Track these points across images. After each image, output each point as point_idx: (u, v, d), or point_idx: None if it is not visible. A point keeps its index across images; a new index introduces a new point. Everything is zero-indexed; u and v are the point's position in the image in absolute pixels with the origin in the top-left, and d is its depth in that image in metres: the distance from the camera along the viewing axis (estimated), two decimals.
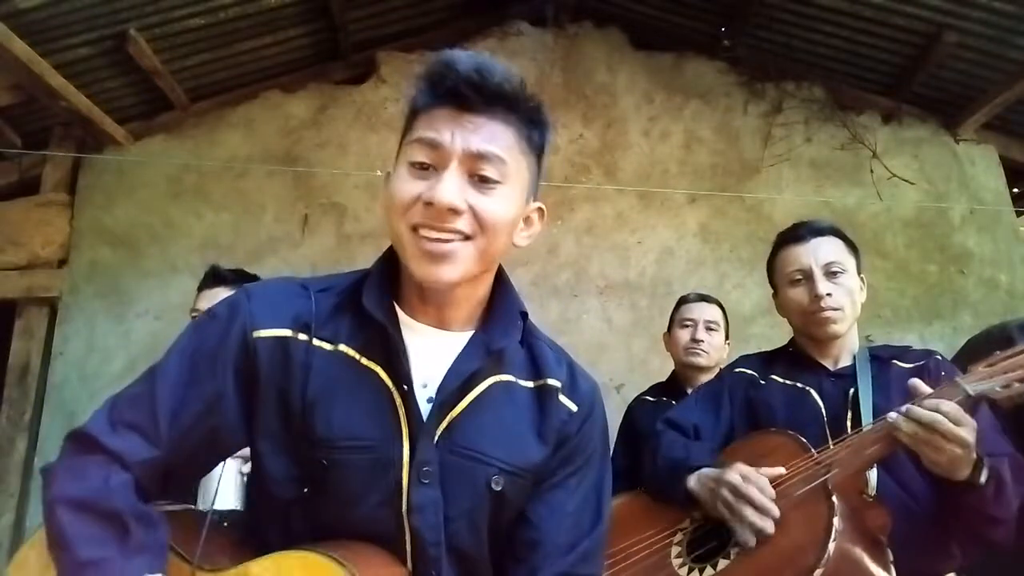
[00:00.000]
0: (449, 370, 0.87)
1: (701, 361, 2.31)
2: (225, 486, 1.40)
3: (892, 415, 1.24)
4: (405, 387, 0.85)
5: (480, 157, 0.82)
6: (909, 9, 3.37)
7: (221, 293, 1.78)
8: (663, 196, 3.78)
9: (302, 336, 0.86)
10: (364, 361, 0.86)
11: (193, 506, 1.27)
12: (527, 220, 0.91)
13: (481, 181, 0.82)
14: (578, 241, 3.73)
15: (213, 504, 1.29)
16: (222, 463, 1.12)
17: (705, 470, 1.38)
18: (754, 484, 1.28)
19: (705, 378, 2.28)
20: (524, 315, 0.95)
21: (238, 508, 1.36)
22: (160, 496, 0.85)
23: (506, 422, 0.89)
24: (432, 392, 0.86)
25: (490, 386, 0.89)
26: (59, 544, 0.76)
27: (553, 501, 0.91)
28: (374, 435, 0.83)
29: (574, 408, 0.94)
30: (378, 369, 0.86)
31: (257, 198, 3.71)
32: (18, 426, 3.28)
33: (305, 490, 0.83)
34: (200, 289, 1.94)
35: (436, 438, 0.85)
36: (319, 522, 0.84)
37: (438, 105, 0.84)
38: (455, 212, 0.80)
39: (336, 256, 3.56)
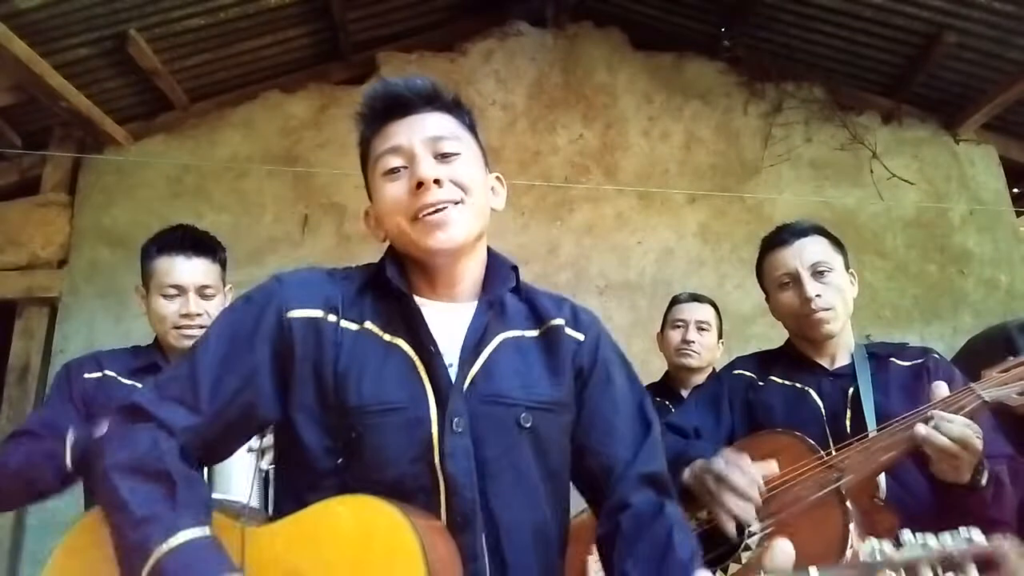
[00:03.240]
0: (467, 331, 0.97)
1: (692, 362, 2.30)
2: (240, 479, 1.39)
3: (921, 428, 1.22)
4: (432, 348, 0.94)
5: (436, 139, 0.98)
6: (909, 9, 3.37)
7: (201, 267, 1.65)
8: (663, 196, 3.78)
9: (332, 317, 0.95)
10: (387, 337, 0.96)
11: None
12: (492, 189, 1.06)
13: (444, 157, 0.97)
14: (578, 241, 3.73)
15: (223, 488, 1.29)
16: (238, 456, 1.14)
17: (698, 461, 1.37)
18: (737, 468, 1.26)
19: (697, 378, 2.28)
20: (515, 268, 1.07)
21: (254, 506, 1.35)
22: (199, 466, 0.92)
23: (520, 368, 0.99)
24: (452, 358, 0.95)
25: (500, 343, 1.00)
26: (115, 506, 0.84)
27: (603, 422, 1.02)
28: (402, 397, 0.91)
29: (581, 337, 1.05)
30: (400, 342, 0.95)
31: (257, 198, 3.70)
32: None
33: (339, 460, 0.90)
34: (168, 252, 1.64)
35: (464, 392, 0.93)
36: (354, 489, 0.88)
37: (384, 122, 1.00)
38: (438, 183, 0.94)
39: (336, 256, 3.55)
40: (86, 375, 1.63)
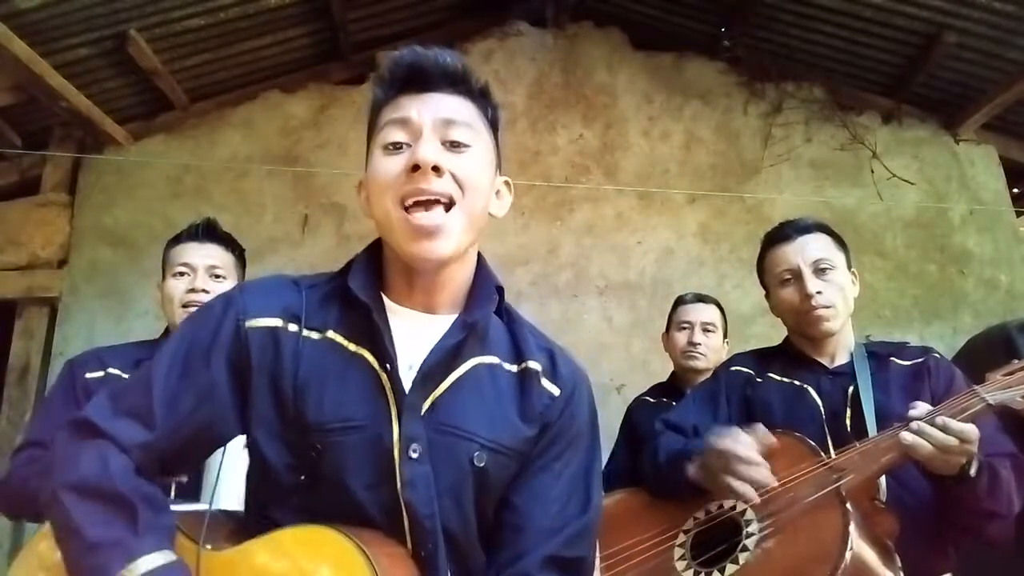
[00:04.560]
0: (434, 347, 0.89)
1: (699, 364, 2.29)
2: (231, 486, 1.36)
3: (906, 435, 1.22)
4: (388, 366, 0.86)
5: (448, 123, 0.88)
6: (909, 9, 3.37)
7: (213, 251, 1.68)
8: (663, 196, 3.78)
9: (292, 327, 0.89)
10: (352, 347, 0.89)
11: (198, 503, 1.24)
12: (498, 193, 0.97)
13: (453, 146, 0.88)
14: (578, 241, 3.73)
15: (213, 498, 1.28)
16: (223, 460, 1.11)
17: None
18: (732, 438, 1.30)
19: (703, 379, 2.27)
20: (500, 289, 0.97)
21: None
22: (158, 481, 0.86)
23: (488, 402, 0.90)
24: (408, 377, 0.87)
25: (473, 367, 0.91)
26: (67, 528, 0.78)
27: (538, 486, 0.91)
28: (364, 416, 0.85)
29: (556, 392, 0.95)
30: (365, 353, 0.88)
31: (257, 198, 3.70)
32: (18, 426, 3.26)
33: (302, 477, 0.85)
34: (183, 240, 1.69)
35: (422, 414, 0.86)
36: (317, 508, 0.84)
37: (399, 92, 0.90)
38: (437, 170, 0.85)
39: (336, 256, 3.54)
40: (88, 375, 1.61)
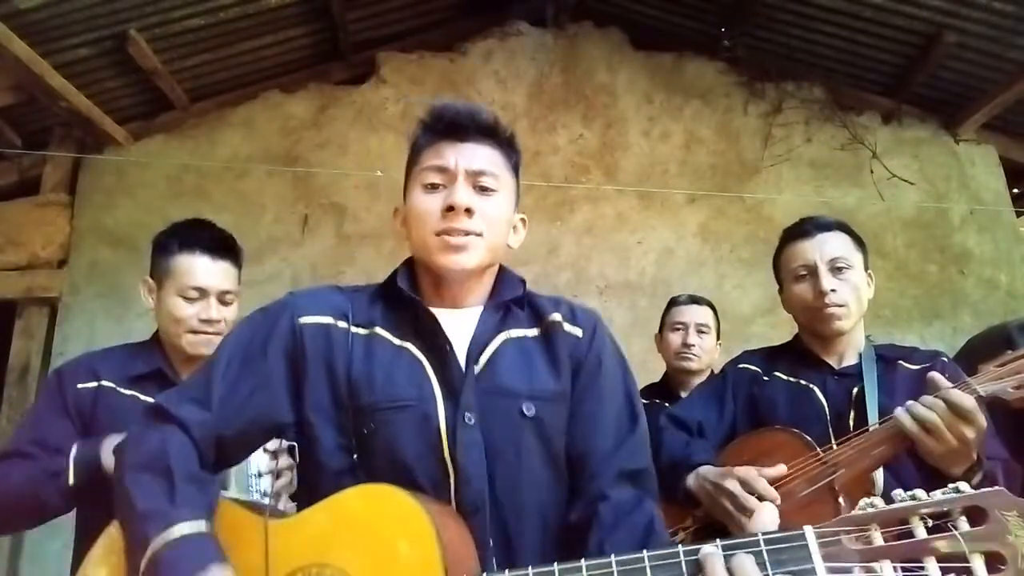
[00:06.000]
0: (476, 331, 1.04)
1: (692, 365, 2.30)
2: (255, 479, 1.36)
3: (899, 410, 1.23)
4: (447, 348, 1.00)
5: (479, 173, 1.05)
6: (909, 9, 3.37)
7: (228, 271, 1.57)
8: (663, 196, 3.79)
9: (342, 324, 1.03)
10: (396, 341, 1.03)
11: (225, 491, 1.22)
12: (515, 227, 1.14)
13: (482, 191, 1.05)
14: (578, 241, 3.73)
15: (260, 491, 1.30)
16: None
17: (703, 469, 1.37)
18: (755, 489, 1.26)
19: (696, 380, 2.26)
20: (522, 281, 1.15)
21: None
22: (215, 465, 0.98)
23: (520, 362, 1.05)
24: (460, 356, 1.01)
25: (502, 342, 1.06)
26: (123, 502, 0.89)
27: (589, 416, 1.05)
28: (412, 396, 0.98)
29: (579, 333, 1.09)
30: (409, 345, 1.02)
31: (257, 198, 3.71)
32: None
33: (355, 456, 0.96)
34: (196, 250, 1.55)
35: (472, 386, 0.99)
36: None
37: (439, 139, 1.06)
38: (470, 211, 1.01)
39: (336, 256, 3.56)
40: (80, 385, 1.52)
